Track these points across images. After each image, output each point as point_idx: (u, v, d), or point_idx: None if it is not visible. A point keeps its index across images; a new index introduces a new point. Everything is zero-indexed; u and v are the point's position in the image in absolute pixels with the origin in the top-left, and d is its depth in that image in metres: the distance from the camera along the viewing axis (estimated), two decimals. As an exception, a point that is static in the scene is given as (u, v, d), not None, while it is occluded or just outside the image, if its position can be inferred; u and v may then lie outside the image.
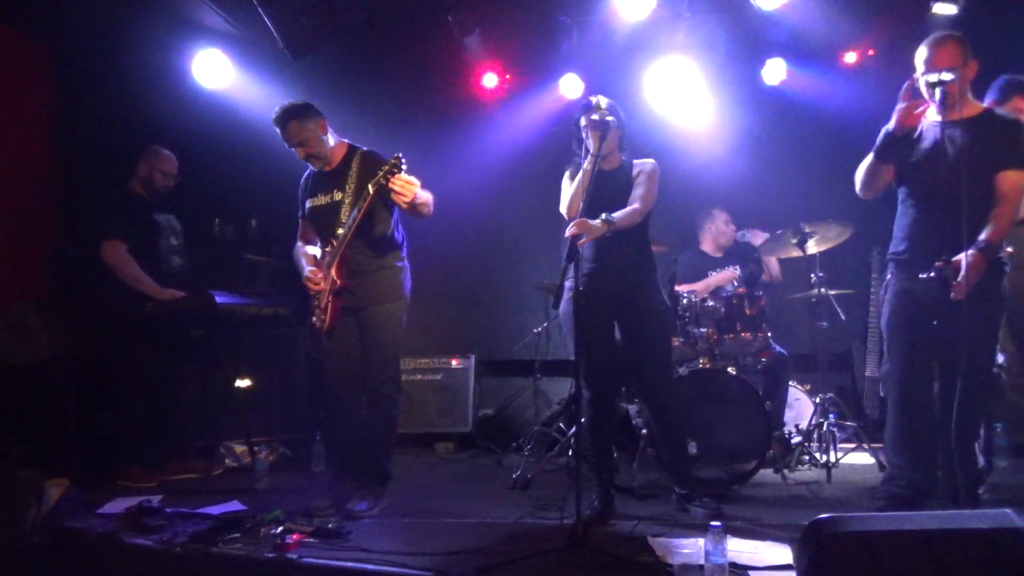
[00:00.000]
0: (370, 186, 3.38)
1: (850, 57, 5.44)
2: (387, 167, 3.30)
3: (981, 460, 3.29)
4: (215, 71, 5.24)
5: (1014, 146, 3.08)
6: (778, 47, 5.41)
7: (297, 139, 3.59)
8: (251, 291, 4.71)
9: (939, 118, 3.11)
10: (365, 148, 3.69)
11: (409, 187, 3.32)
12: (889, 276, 3.34)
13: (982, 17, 4.83)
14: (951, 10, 4.80)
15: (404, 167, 3.30)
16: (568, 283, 3.44)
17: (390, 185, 3.30)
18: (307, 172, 3.83)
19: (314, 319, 3.69)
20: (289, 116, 3.58)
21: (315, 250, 3.75)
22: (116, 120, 5.00)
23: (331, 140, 3.68)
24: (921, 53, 3.14)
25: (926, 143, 3.19)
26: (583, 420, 3.51)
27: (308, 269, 3.66)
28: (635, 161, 3.61)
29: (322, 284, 3.60)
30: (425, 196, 3.47)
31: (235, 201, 5.28)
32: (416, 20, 5.26)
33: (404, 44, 5.49)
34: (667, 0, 5.00)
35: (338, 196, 3.61)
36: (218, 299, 4.29)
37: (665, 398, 3.56)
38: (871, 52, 5.35)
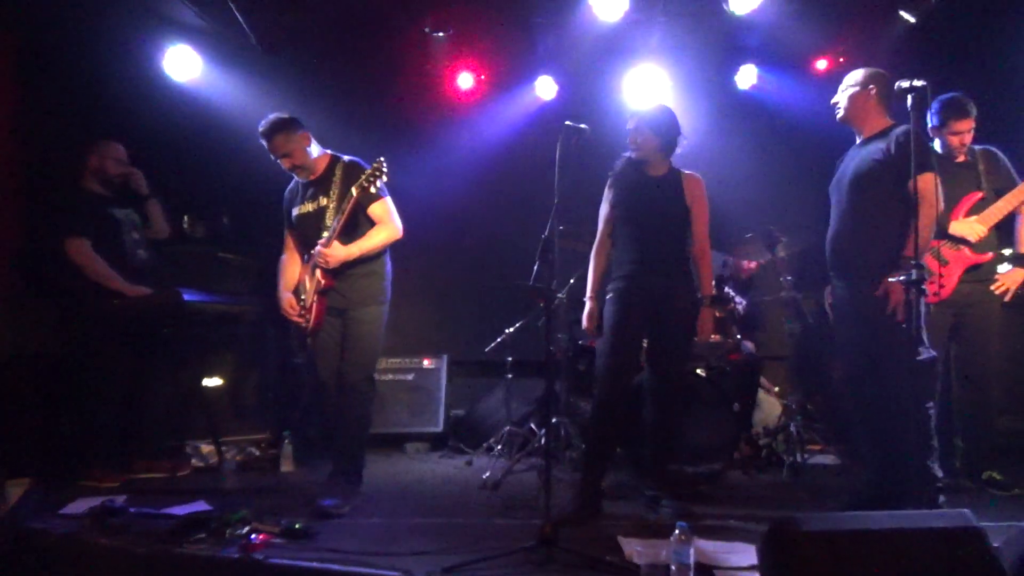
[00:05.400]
0: (353, 189, 3.53)
1: (821, 64, 5.52)
2: (370, 171, 3.49)
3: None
4: (186, 66, 5.18)
5: (921, 152, 3.13)
6: (750, 52, 5.47)
7: (283, 151, 3.71)
8: (221, 289, 4.66)
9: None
10: (347, 157, 3.81)
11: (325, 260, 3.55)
12: (829, 288, 3.52)
13: (942, 26, 4.92)
14: (911, 19, 4.88)
15: (386, 171, 3.47)
16: (611, 284, 3.56)
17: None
18: (292, 184, 3.93)
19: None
20: (275, 129, 3.70)
21: (294, 273, 3.86)
22: (85, 114, 4.90)
23: (315, 151, 3.79)
24: None
25: (842, 163, 3.46)
26: (590, 420, 3.55)
27: (285, 298, 3.79)
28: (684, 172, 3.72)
29: (294, 311, 3.75)
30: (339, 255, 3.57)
31: (206, 198, 5.22)
32: (390, 19, 5.24)
33: (378, 43, 5.46)
34: (641, 3, 5.04)
35: (323, 202, 3.72)
36: (187, 297, 4.24)
37: (675, 391, 3.61)
38: (842, 60, 5.42)
